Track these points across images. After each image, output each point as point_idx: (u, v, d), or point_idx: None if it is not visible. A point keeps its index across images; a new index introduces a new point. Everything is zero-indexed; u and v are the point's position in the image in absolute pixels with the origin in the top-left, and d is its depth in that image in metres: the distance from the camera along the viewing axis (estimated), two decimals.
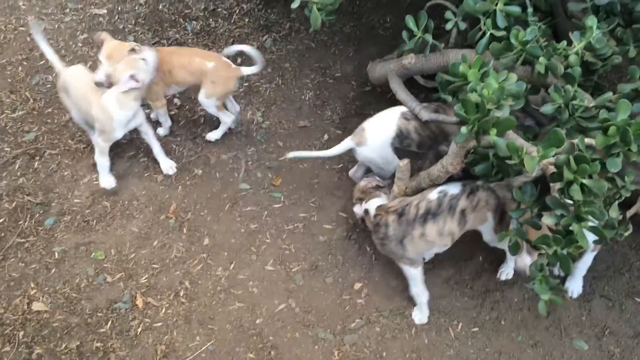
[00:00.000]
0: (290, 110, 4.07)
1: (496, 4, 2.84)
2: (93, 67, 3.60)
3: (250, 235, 3.43)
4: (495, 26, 2.86)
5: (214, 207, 3.56)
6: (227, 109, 3.80)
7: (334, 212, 3.52)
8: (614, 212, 2.23)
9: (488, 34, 2.87)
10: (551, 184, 2.46)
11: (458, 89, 2.64)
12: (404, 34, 3.18)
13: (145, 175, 3.69)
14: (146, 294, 3.19)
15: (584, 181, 2.13)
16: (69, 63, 4.24)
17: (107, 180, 3.59)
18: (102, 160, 3.54)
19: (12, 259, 3.31)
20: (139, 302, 3.15)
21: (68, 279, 3.25)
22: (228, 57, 3.70)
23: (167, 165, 3.67)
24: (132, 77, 3.25)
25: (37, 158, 3.76)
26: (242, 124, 3.97)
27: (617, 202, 2.25)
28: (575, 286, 3.12)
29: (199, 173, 3.72)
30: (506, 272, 3.19)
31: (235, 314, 3.13)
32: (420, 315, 3.09)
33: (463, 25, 3.12)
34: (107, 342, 3.02)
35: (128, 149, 3.77)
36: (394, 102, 3.47)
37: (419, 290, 3.04)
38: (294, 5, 2.74)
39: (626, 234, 2.46)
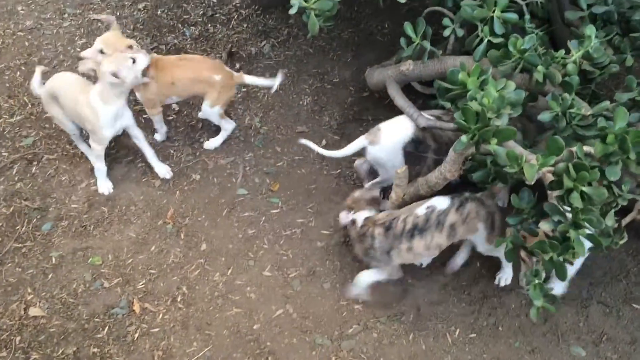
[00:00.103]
0: (288, 116, 4.07)
1: (493, 11, 2.85)
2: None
3: (247, 241, 3.43)
4: (492, 33, 2.87)
5: (212, 212, 3.56)
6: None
7: (331, 218, 3.52)
8: (610, 220, 2.24)
9: (485, 40, 2.88)
10: (549, 191, 2.47)
11: (457, 97, 2.65)
12: (402, 40, 3.19)
13: (143, 180, 3.68)
14: (143, 299, 3.19)
15: (584, 189, 2.14)
16: (67, 68, 4.26)
17: (104, 186, 3.59)
18: (99, 165, 3.54)
19: (9, 264, 3.31)
20: (136, 307, 3.15)
21: (65, 284, 3.24)
22: (226, 64, 3.72)
23: (164, 170, 3.67)
24: (114, 74, 3.22)
25: (35, 163, 3.75)
26: (240, 130, 3.97)
27: (613, 211, 2.25)
28: (558, 288, 3.12)
29: (196, 178, 3.72)
30: (504, 278, 3.19)
31: (232, 319, 3.12)
32: (364, 277, 3.12)
33: (461, 32, 3.13)
34: (104, 348, 3.01)
35: (126, 154, 3.77)
36: (392, 107, 3.48)
37: (380, 276, 3.10)
38: (292, 11, 2.74)
39: (621, 242, 2.47)
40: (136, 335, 3.06)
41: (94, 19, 4.68)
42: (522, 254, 2.75)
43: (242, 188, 3.67)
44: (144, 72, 3.37)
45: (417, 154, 3.28)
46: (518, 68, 2.81)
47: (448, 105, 2.85)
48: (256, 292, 3.23)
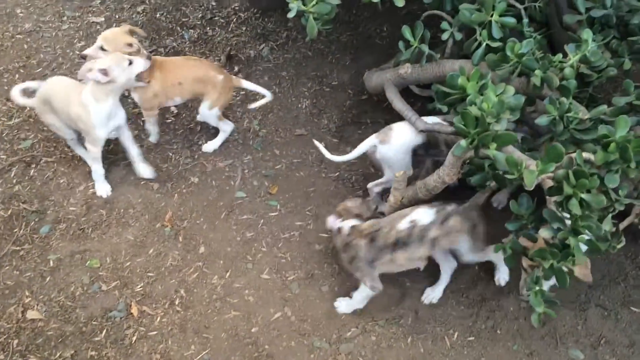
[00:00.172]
0: (287, 119, 4.08)
1: (492, 15, 2.86)
2: None
3: (246, 244, 3.43)
4: (490, 37, 2.88)
5: (210, 215, 3.55)
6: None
7: None
8: (608, 225, 2.24)
9: (484, 44, 2.89)
10: (548, 197, 2.47)
11: (456, 101, 2.65)
12: (401, 43, 3.19)
13: (141, 183, 3.68)
14: (141, 302, 3.18)
15: (583, 196, 2.14)
16: (66, 71, 4.27)
17: (102, 188, 3.59)
18: (97, 168, 3.54)
19: (7, 267, 3.30)
20: (134, 310, 3.15)
21: (63, 287, 3.23)
22: (225, 66, 3.73)
23: (148, 171, 3.66)
24: (103, 71, 3.20)
25: (33, 166, 3.75)
26: (239, 132, 3.97)
27: (610, 215, 2.25)
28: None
29: (195, 181, 3.72)
30: (502, 278, 3.19)
31: (230, 322, 3.12)
32: (345, 307, 3.14)
33: (459, 36, 3.14)
34: (101, 351, 3.00)
35: (124, 157, 3.76)
36: (391, 111, 3.49)
37: (362, 301, 3.10)
38: (291, 14, 2.74)
39: (619, 246, 2.47)
40: (134, 338, 3.05)
41: (92, 22, 4.69)
42: (524, 264, 2.75)
43: (240, 191, 3.67)
44: (140, 77, 3.36)
45: (428, 156, 3.29)
46: (516, 72, 2.82)
47: (445, 109, 2.86)
48: (254, 295, 3.22)
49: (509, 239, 2.60)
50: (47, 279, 3.26)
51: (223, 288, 3.24)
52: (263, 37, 4.56)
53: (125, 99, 3.87)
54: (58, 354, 2.99)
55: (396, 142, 3.22)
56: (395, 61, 3.47)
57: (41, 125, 3.96)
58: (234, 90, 3.84)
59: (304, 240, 3.44)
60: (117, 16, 4.74)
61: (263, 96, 3.79)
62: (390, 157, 3.26)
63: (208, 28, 4.64)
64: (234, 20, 4.70)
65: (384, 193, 3.41)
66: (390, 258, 2.92)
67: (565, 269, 2.30)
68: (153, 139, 3.86)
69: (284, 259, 3.37)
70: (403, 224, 2.90)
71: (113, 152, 3.79)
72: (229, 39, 4.55)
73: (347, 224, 3.03)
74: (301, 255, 3.38)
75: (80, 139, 3.62)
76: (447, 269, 3.13)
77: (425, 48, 3.17)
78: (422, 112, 3.29)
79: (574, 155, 2.24)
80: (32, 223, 3.48)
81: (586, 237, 2.24)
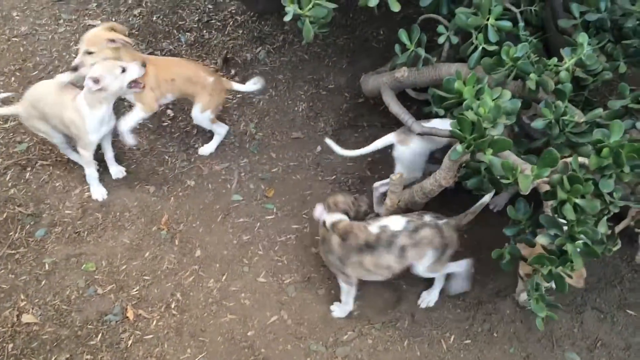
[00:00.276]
0: (283, 122, 4.08)
1: (488, 19, 2.86)
2: None
3: (242, 247, 3.43)
4: (487, 40, 2.88)
5: (206, 218, 3.55)
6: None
7: None
8: (603, 228, 2.24)
9: (480, 48, 2.90)
10: (544, 201, 2.48)
11: (452, 106, 2.66)
12: (397, 47, 3.20)
13: (137, 186, 3.68)
14: (137, 306, 3.17)
15: (577, 201, 2.15)
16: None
17: (98, 192, 3.58)
18: (90, 171, 3.53)
19: (2, 270, 3.29)
20: (130, 314, 3.14)
21: (58, 290, 3.22)
22: (221, 70, 3.73)
23: (116, 170, 3.67)
24: (95, 79, 3.18)
25: (29, 169, 3.74)
26: (235, 135, 3.97)
27: (605, 218, 2.26)
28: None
29: (191, 184, 3.71)
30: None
31: (226, 326, 3.11)
32: (339, 311, 3.14)
33: (455, 40, 3.14)
34: (97, 355, 2.99)
35: (119, 160, 3.76)
36: (387, 114, 3.49)
37: (348, 300, 3.10)
38: (287, 18, 2.74)
39: (615, 248, 2.47)
40: (130, 342, 3.04)
41: (89, 25, 4.68)
42: (521, 272, 2.76)
43: (236, 194, 3.67)
44: (135, 84, 3.34)
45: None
46: (511, 75, 2.82)
47: (442, 112, 2.87)
48: (251, 298, 3.22)
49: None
50: (43, 282, 3.25)
51: (219, 291, 3.24)
52: (260, 41, 4.57)
53: (121, 101, 3.86)
54: (53, 358, 2.98)
55: (415, 144, 3.22)
56: (392, 65, 3.48)
57: None
58: (226, 93, 3.82)
59: (301, 244, 3.44)
60: (113, 19, 4.72)
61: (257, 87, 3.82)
62: (407, 157, 3.26)
63: (205, 31, 4.64)
64: (231, 23, 4.70)
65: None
66: (359, 260, 2.92)
67: (563, 274, 2.30)
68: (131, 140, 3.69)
69: (281, 262, 3.37)
70: (374, 228, 2.91)
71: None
72: (226, 42, 4.55)
73: (331, 217, 3.02)
74: (297, 258, 3.38)
75: (70, 142, 3.61)
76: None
77: (421, 51, 3.17)
78: (419, 115, 3.29)
79: (569, 160, 2.24)
80: (28, 226, 3.47)
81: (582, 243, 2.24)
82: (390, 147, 3.35)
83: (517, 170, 2.27)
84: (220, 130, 3.80)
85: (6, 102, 3.65)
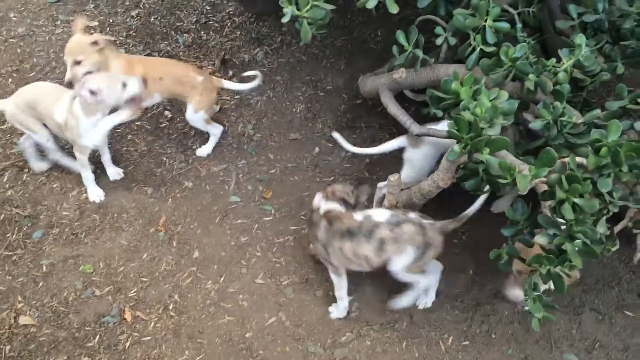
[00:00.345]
0: (281, 123, 4.07)
1: (486, 20, 2.87)
2: None
3: (240, 248, 3.42)
4: (485, 42, 2.88)
5: (204, 219, 3.54)
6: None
7: None
8: (602, 228, 2.24)
9: (478, 49, 2.90)
10: (542, 201, 2.48)
11: (450, 106, 2.66)
12: (395, 48, 3.20)
13: (135, 188, 3.67)
14: (135, 307, 3.16)
15: (576, 200, 2.15)
16: (60, 75, 4.25)
17: (95, 193, 3.57)
18: (86, 173, 3.53)
19: None
20: (128, 315, 3.13)
21: (56, 292, 3.21)
22: (219, 71, 3.73)
23: (114, 171, 3.67)
24: (93, 91, 3.14)
25: (26, 170, 3.73)
26: (233, 137, 3.97)
27: (604, 218, 2.26)
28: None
29: (189, 185, 3.71)
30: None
31: (224, 327, 3.11)
32: (337, 311, 3.13)
33: (453, 41, 3.15)
34: (95, 357, 2.98)
35: (116, 162, 3.75)
36: (385, 115, 3.49)
37: (341, 294, 3.09)
38: (285, 19, 2.74)
39: (613, 249, 2.47)
40: (127, 343, 3.03)
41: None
42: (514, 268, 2.75)
43: (234, 195, 3.66)
44: (134, 104, 3.31)
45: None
46: (509, 76, 2.82)
47: (440, 113, 2.87)
48: (249, 300, 3.21)
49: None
50: (40, 284, 3.24)
51: (217, 293, 3.23)
52: (257, 42, 4.56)
53: None
54: None
55: (427, 147, 3.22)
56: (390, 66, 3.48)
57: None
58: (218, 92, 3.79)
59: (299, 245, 3.43)
60: (110, 20, 4.73)
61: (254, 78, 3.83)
62: (418, 160, 3.28)
63: (202, 32, 4.64)
64: (229, 24, 4.70)
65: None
66: (340, 246, 2.92)
67: (562, 274, 2.30)
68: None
69: (279, 263, 3.36)
70: (359, 216, 2.93)
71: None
72: (224, 43, 4.55)
73: (327, 205, 3.02)
74: (296, 260, 3.37)
75: (56, 143, 3.61)
76: (434, 271, 3.12)
77: (419, 53, 3.17)
78: (417, 116, 3.30)
79: (567, 159, 2.25)
80: (25, 228, 3.46)
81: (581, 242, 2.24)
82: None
83: (515, 170, 2.26)
84: (215, 131, 3.80)
85: None
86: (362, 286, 3.26)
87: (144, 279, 3.27)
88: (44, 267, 3.30)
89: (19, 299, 3.18)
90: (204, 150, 3.84)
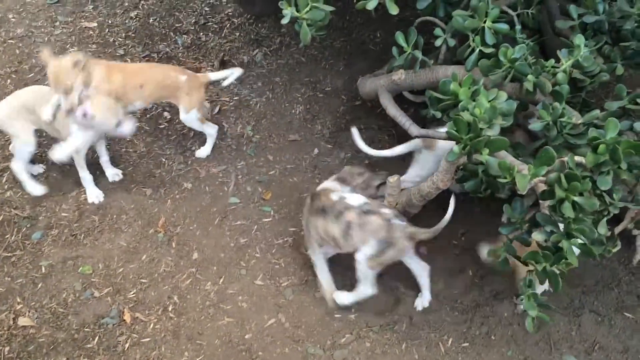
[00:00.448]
0: (280, 124, 4.07)
1: (485, 22, 2.87)
2: None
3: (239, 250, 3.42)
4: (484, 43, 2.89)
5: (204, 221, 3.54)
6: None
7: None
8: (603, 229, 2.24)
9: (477, 50, 2.90)
10: (541, 201, 2.48)
11: (449, 107, 2.66)
12: (394, 49, 3.20)
13: (134, 189, 3.66)
14: (134, 309, 3.16)
15: (575, 198, 2.15)
16: None
17: (94, 194, 3.57)
18: (83, 174, 3.53)
19: None
20: (127, 317, 3.12)
21: (55, 293, 3.21)
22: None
23: (112, 172, 3.67)
24: (86, 115, 3.17)
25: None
26: (233, 138, 3.96)
27: (605, 219, 2.26)
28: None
29: (188, 187, 3.70)
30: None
31: (224, 329, 3.10)
32: (341, 297, 3.12)
33: (452, 42, 3.15)
34: (94, 358, 2.98)
35: (115, 163, 3.75)
36: (384, 116, 3.49)
37: (322, 279, 3.13)
38: (284, 20, 2.74)
39: (614, 250, 2.48)
40: (127, 345, 3.03)
41: (85, 27, 4.68)
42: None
43: (234, 197, 3.66)
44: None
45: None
46: (508, 77, 2.82)
47: (439, 114, 2.87)
48: (248, 301, 3.21)
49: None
50: (39, 285, 3.23)
51: (216, 294, 3.23)
52: (256, 43, 4.56)
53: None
54: None
55: (440, 149, 3.23)
56: (389, 67, 3.48)
57: None
58: (206, 87, 3.76)
59: (298, 246, 3.43)
60: (109, 21, 4.73)
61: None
62: (428, 161, 3.30)
63: (201, 33, 4.64)
64: (228, 25, 4.70)
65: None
66: (314, 223, 3.01)
67: (557, 271, 2.30)
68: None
69: (278, 265, 3.36)
70: (335, 195, 3.01)
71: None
72: (223, 45, 4.55)
73: (325, 184, 3.14)
74: (295, 261, 3.37)
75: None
76: (421, 272, 3.13)
77: (418, 54, 3.18)
78: (416, 118, 3.30)
79: (565, 158, 2.25)
80: (24, 229, 3.46)
81: (579, 241, 2.24)
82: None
83: (514, 170, 2.27)
84: (211, 131, 3.78)
85: None
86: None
87: (143, 280, 3.27)
88: (43, 268, 3.30)
89: (18, 300, 3.17)
90: (203, 152, 3.84)
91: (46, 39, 4.58)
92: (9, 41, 4.57)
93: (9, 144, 3.86)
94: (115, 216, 3.53)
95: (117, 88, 3.32)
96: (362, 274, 2.99)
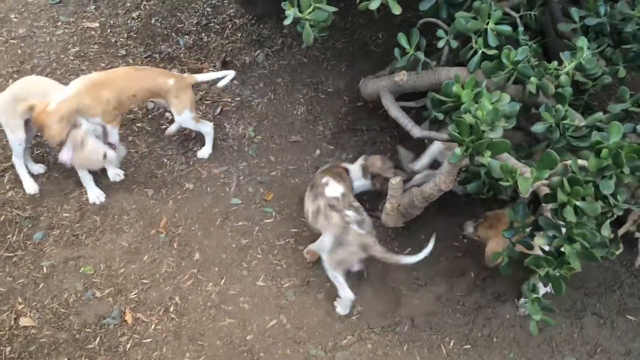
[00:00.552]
0: (282, 125, 4.07)
1: (487, 23, 2.87)
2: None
3: (241, 251, 3.41)
4: (486, 45, 2.89)
5: (205, 221, 3.54)
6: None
7: None
8: (606, 231, 2.24)
9: (479, 52, 2.90)
10: (543, 204, 2.48)
11: (451, 109, 2.66)
12: (396, 51, 3.20)
13: (136, 189, 3.66)
14: (135, 309, 3.16)
15: (578, 203, 2.14)
16: (60, 76, 4.25)
17: (94, 194, 3.57)
18: (82, 174, 3.52)
19: (0, 273, 3.27)
20: (128, 317, 3.12)
21: (56, 293, 3.21)
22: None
23: (112, 173, 3.66)
24: (76, 146, 3.28)
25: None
26: (234, 139, 3.96)
27: (608, 221, 2.26)
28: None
29: (190, 187, 3.70)
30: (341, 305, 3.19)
31: (225, 330, 3.10)
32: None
33: (455, 44, 3.15)
34: (95, 358, 2.98)
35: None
36: (386, 118, 3.49)
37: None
38: (287, 21, 2.74)
39: (617, 252, 2.47)
40: (128, 345, 3.03)
41: (87, 27, 4.68)
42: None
43: (235, 197, 3.66)
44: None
45: None
46: (511, 79, 2.82)
47: (441, 116, 2.87)
48: (249, 302, 3.20)
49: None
50: (41, 285, 3.23)
51: (218, 295, 3.22)
52: (258, 44, 4.56)
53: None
54: None
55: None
56: (391, 68, 3.48)
57: None
58: (193, 87, 3.75)
59: (299, 248, 3.42)
60: (111, 22, 4.73)
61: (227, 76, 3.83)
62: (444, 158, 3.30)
63: (203, 34, 4.64)
64: (229, 26, 4.70)
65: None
66: (306, 197, 3.27)
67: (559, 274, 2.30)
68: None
69: (279, 266, 3.36)
70: (325, 179, 3.21)
71: None
72: (224, 45, 4.55)
73: (327, 178, 3.24)
74: (296, 262, 3.37)
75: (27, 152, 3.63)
76: None
77: (421, 55, 3.17)
78: (418, 119, 3.30)
79: (568, 162, 2.24)
80: (26, 229, 3.46)
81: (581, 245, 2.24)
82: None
83: (517, 173, 2.26)
84: (207, 129, 3.77)
85: None
86: (363, 289, 3.25)
87: (145, 281, 3.27)
88: (45, 269, 3.29)
89: (20, 300, 3.17)
90: (205, 152, 3.84)
91: (48, 39, 4.58)
92: (11, 41, 4.57)
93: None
94: (116, 216, 3.53)
95: (110, 106, 3.38)
96: (330, 274, 3.10)
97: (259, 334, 3.08)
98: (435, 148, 3.33)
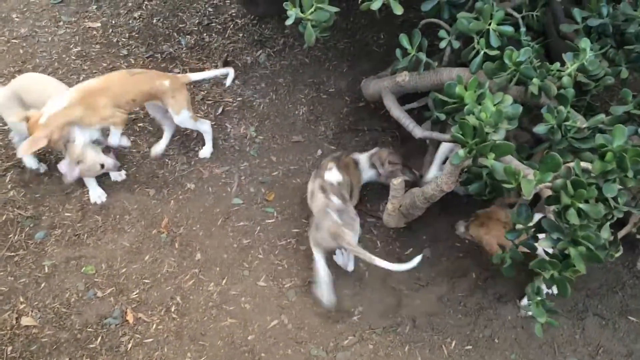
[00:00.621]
0: (283, 125, 4.07)
1: (489, 24, 2.86)
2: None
3: (242, 251, 3.41)
4: (488, 45, 2.88)
5: (207, 221, 3.54)
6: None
7: None
8: (606, 233, 2.24)
9: (482, 53, 2.89)
10: (546, 206, 2.47)
11: (454, 110, 2.65)
12: (398, 51, 3.19)
13: (137, 189, 3.66)
14: (137, 309, 3.16)
15: (581, 206, 2.14)
16: (62, 76, 4.25)
17: (96, 194, 3.57)
18: None
19: (1, 273, 3.27)
20: (130, 317, 3.12)
21: (58, 293, 3.21)
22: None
23: (116, 172, 3.67)
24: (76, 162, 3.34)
25: (28, 171, 3.72)
26: (236, 139, 3.96)
27: (608, 223, 2.25)
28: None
29: (191, 187, 3.70)
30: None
31: (227, 330, 3.10)
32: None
33: (457, 44, 3.14)
34: (96, 358, 2.98)
35: (120, 165, 3.74)
36: (388, 118, 3.49)
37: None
38: (289, 22, 2.73)
39: (617, 254, 2.46)
40: (129, 345, 3.03)
41: (88, 27, 4.68)
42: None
43: (237, 197, 3.66)
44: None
45: None
46: (513, 80, 2.81)
47: (443, 117, 2.86)
48: (251, 302, 3.21)
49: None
50: (42, 285, 3.24)
51: (219, 295, 3.22)
52: (260, 44, 4.56)
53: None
54: None
55: None
56: (393, 69, 3.47)
57: None
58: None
59: (301, 248, 3.43)
60: (113, 22, 4.73)
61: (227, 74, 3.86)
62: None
63: (205, 34, 4.64)
64: (231, 26, 4.70)
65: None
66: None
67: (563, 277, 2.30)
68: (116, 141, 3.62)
69: (281, 266, 3.36)
70: (330, 163, 3.33)
71: None
72: (226, 45, 4.55)
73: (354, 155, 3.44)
74: (298, 262, 3.37)
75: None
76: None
77: (422, 56, 3.17)
78: (419, 119, 3.29)
79: (571, 164, 2.24)
80: (27, 229, 3.46)
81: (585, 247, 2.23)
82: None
83: (520, 175, 2.26)
84: (205, 127, 3.77)
85: None
86: (365, 289, 3.25)
87: (146, 281, 3.27)
88: (46, 268, 3.30)
89: (21, 299, 3.17)
90: (206, 151, 3.84)
91: (50, 38, 4.59)
92: (13, 41, 4.57)
93: (12, 143, 3.86)
94: (118, 216, 3.53)
95: (108, 115, 3.38)
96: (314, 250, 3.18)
97: (260, 334, 3.08)
98: (444, 149, 3.32)
